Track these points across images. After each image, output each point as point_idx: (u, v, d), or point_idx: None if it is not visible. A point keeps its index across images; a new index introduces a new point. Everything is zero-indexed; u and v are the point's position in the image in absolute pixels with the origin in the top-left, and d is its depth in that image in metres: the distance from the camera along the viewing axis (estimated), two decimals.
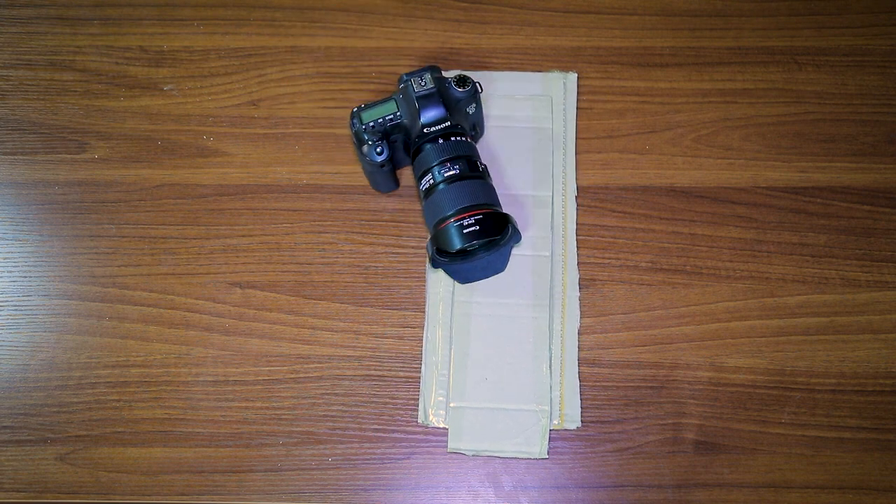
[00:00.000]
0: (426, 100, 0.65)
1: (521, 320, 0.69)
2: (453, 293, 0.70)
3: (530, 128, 0.74)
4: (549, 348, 0.68)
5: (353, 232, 0.73)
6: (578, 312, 0.70)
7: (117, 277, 0.72)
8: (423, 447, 0.67)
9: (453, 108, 0.66)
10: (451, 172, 0.64)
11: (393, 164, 0.69)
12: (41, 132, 0.76)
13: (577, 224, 0.72)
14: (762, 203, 0.73)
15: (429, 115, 0.65)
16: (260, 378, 0.69)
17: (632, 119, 0.76)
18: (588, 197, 0.73)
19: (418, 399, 0.68)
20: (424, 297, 0.70)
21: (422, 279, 0.71)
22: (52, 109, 0.77)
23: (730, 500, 0.66)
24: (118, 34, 0.79)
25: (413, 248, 0.72)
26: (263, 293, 0.71)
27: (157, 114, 0.77)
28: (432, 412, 0.67)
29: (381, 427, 0.68)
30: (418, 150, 0.66)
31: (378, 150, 0.65)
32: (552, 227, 0.72)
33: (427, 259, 0.71)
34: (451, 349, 0.68)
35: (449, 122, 0.65)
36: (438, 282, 0.70)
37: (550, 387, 0.67)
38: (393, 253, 0.72)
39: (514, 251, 0.70)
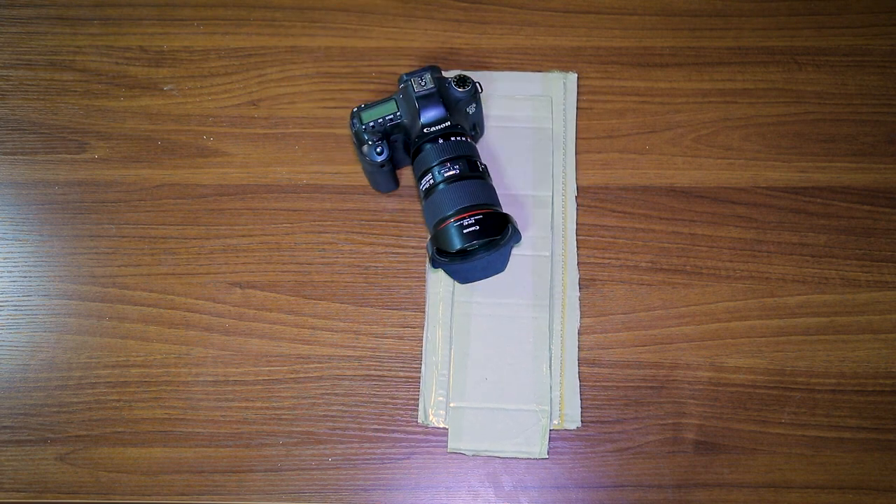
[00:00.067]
0: (426, 100, 0.65)
1: (521, 320, 0.69)
2: (453, 293, 0.70)
3: (530, 128, 0.74)
4: (549, 348, 0.68)
5: (353, 232, 0.73)
6: (578, 312, 0.70)
7: (117, 277, 0.72)
8: (423, 447, 0.67)
9: (453, 108, 0.66)
10: (451, 172, 0.64)
11: (393, 164, 0.69)
12: (41, 132, 0.76)
13: (577, 224, 0.72)
14: (762, 203, 0.73)
15: (429, 115, 0.65)
16: (260, 378, 0.69)
17: (632, 119, 0.76)
18: (588, 197, 0.73)
19: (418, 399, 0.68)
20: (424, 297, 0.70)
21: (422, 279, 0.71)
22: (52, 109, 0.77)
23: (730, 500, 0.66)
24: (118, 34, 0.79)
25: (413, 248, 0.72)
26: (263, 293, 0.71)
27: (157, 114, 0.77)
28: (432, 412, 0.67)
29: (381, 427, 0.68)
30: (418, 150, 0.66)
31: (378, 150, 0.65)
32: (552, 227, 0.72)
33: (427, 259, 0.71)
34: (451, 349, 0.68)
35: (449, 122, 0.65)
36: (438, 282, 0.70)
37: (550, 387, 0.67)
38: (393, 253, 0.72)
39: (514, 251, 0.70)
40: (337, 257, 0.72)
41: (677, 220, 0.73)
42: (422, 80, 0.65)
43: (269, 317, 0.70)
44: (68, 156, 0.76)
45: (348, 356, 0.69)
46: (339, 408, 0.68)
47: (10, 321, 0.71)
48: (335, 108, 0.76)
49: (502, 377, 0.68)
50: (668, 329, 0.69)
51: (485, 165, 0.66)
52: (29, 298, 0.72)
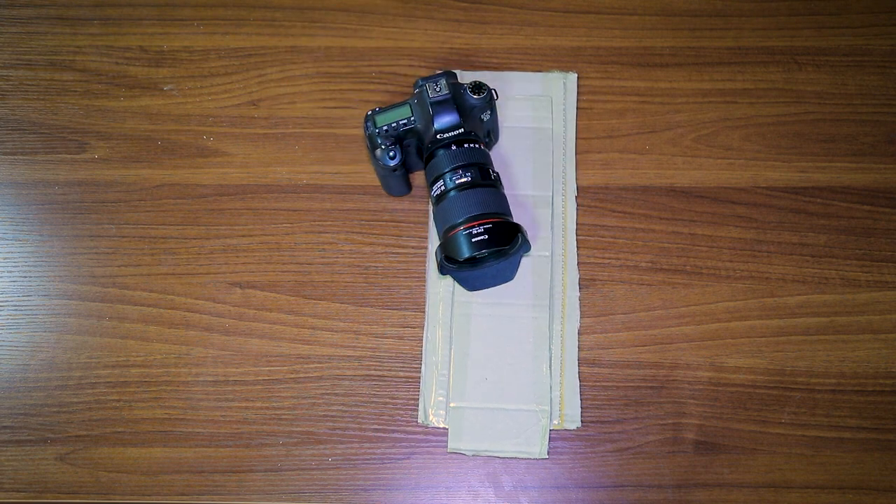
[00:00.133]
0: (440, 106, 0.65)
1: (521, 320, 0.69)
2: (453, 293, 0.70)
3: (530, 128, 0.74)
4: (549, 348, 0.68)
5: (353, 232, 0.73)
6: (578, 312, 0.70)
7: (117, 277, 0.72)
8: (423, 447, 0.67)
9: (467, 115, 0.66)
10: (462, 180, 0.64)
11: (406, 169, 0.69)
12: (41, 132, 0.76)
13: (577, 224, 0.72)
14: (762, 203, 0.73)
15: (442, 121, 0.65)
16: (260, 378, 0.69)
17: (632, 119, 0.76)
18: (588, 197, 0.73)
19: (418, 399, 0.68)
20: (424, 297, 0.70)
21: (422, 279, 0.71)
22: (52, 109, 0.77)
23: (730, 500, 0.66)
24: (118, 34, 0.79)
25: (413, 248, 0.72)
26: (263, 293, 0.71)
27: (157, 114, 0.77)
28: (432, 412, 0.67)
29: (381, 427, 0.68)
30: (431, 156, 0.66)
31: (391, 154, 0.65)
32: (552, 227, 0.72)
33: (429, 262, 0.71)
34: (451, 349, 0.68)
35: (462, 129, 0.65)
36: (438, 282, 0.70)
37: (550, 387, 0.67)
38: (393, 253, 0.72)
39: None
40: (337, 257, 0.72)
41: (677, 220, 0.73)
42: (437, 85, 0.65)
43: (269, 317, 0.70)
44: (68, 156, 0.76)
45: (348, 356, 0.69)
46: (339, 408, 0.68)
47: (10, 321, 0.71)
48: (335, 108, 0.77)
49: (502, 377, 0.68)
50: (668, 329, 0.69)
51: (497, 174, 0.66)
52: (29, 298, 0.72)
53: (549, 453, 0.66)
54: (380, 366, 0.69)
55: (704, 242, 0.72)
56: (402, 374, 0.69)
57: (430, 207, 0.73)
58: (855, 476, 0.66)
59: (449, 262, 0.63)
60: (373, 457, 0.67)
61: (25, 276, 0.72)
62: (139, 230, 0.73)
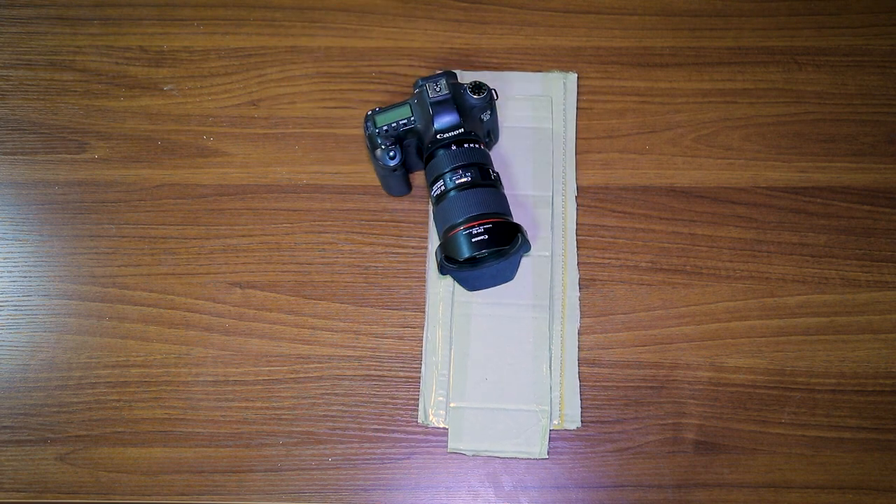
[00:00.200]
0: (440, 106, 0.65)
1: (521, 320, 0.69)
2: (453, 293, 0.70)
3: (530, 128, 0.74)
4: (549, 348, 0.68)
5: (353, 232, 0.73)
6: (578, 312, 0.70)
7: (117, 277, 0.72)
8: (423, 447, 0.67)
9: (467, 115, 0.66)
10: (462, 180, 0.64)
11: (406, 169, 0.69)
12: (41, 132, 0.76)
13: (577, 224, 0.72)
14: (762, 203, 0.73)
15: (442, 121, 0.65)
16: (260, 378, 0.69)
17: (632, 119, 0.76)
18: (588, 197, 0.73)
19: (418, 399, 0.68)
20: (424, 297, 0.70)
21: (422, 279, 0.71)
22: (52, 109, 0.77)
23: (730, 500, 0.66)
24: (118, 34, 0.79)
25: (413, 248, 0.72)
26: (263, 293, 0.71)
27: (157, 114, 0.77)
28: (432, 412, 0.67)
29: (381, 427, 0.68)
30: (431, 156, 0.66)
31: (391, 154, 0.65)
32: (552, 227, 0.72)
33: (429, 262, 0.71)
34: (451, 349, 0.68)
35: (462, 129, 0.65)
36: (438, 282, 0.70)
37: (550, 387, 0.67)
38: (393, 253, 0.72)
39: None
40: (337, 257, 0.72)
41: (677, 220, 0.73)
42: (437, 85, 0.65)
43: (269, 317, 0.70)
44: (68, 156, 0.76)
45: (348, 356, 0.69)
46: (339, 408, 0.68)
47: (10, 321, 0.71)
48: (335, 108, 0.77)
49: (502, 377, 0.68)
50: (668, 329, 0.69)
51: (497, 174, 0.66)
52: (29, 298, 0.72)
53: (549, 453, 0.66)
54: (380, 366, 0.69)
55: (704, 242, 0.72)
56: (402, 374, 0.69)
57: (430, 207, 0.73)
58: (855, 476, 0.66)
59: (449, 262, 0.63)
60: (373, 457, 0.67)
61: (25, 276, 0.72)
62: (139, 230, 0.73)
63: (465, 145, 0.65)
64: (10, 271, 0.72)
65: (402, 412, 0.68)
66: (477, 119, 0.67)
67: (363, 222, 0.73)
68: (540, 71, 0.77)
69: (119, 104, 0.77)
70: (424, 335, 0.69)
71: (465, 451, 0.66)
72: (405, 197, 0.73)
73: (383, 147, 0.65)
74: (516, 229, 0.63)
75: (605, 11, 0.80)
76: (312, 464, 0.67)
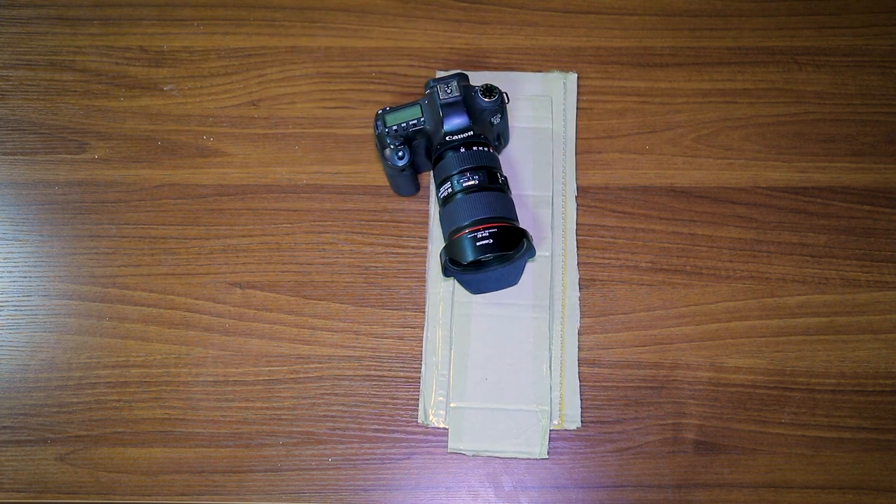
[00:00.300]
0: (451, 108, 0.65)
1: (521, 320, 0.69)
2: (453, 293, 0.70)
3: (530, 128, 0.74)
4: (549, 348, 0.68)
5: (353, 232, 0.73)
6: (578, 312, 0.70)
7: (117, 277, 0.72)
8: (423, 447, 0.67)
9: (477, 118, 0.66)
10: (469, 183, 0.64)
11: (414, 169, 0.69)
12: (41, 132, 0.76)
13: (577, 224, 0.72)
14: (762, 203, 0.73)
15: (452, 122, 0.65)
16: (260, 378, 0.69)
17: (632, 119, 0.76)
18: (588, 197, 0.73)
19: (418, 399, 0.68)
20: (424, 297, 0.70)
21: (422, 279, 0.71)
22: (52, 109, 0.77)
23: (730, 500, 0.66)
24: (118, 34, 0.79)
25: (413, 248, 0.72)
26: (263, 293, 0.71)
27: (157, 114, 0.77)
28: (432, 412, 0.67)
29: (381, 427, 0.68)
30: (440, 157, 0.66)
31: (399, 154, 0.65)
32: (552, 227, 0.72)
33: (429, 262, 0.71)
34: (451, 349, 0.68)
35: (472, 132, 0.65)
36: (439, 282, 0.70)
37: (550, 387, 0.67)
38: (393, 253, 0.72)
39: None
40: (337, 257, 0.72)
41: (677, 220, 0.73)
42: (448, 87, 0.65)
43: (269, 317, 0.70)
44: (68, 156, 0.76)
45: (348, 356, 0.69)
46: (339, 408, 0.68)
47: (10, 321, 0.71)
48: (335, 108, 0.77)
49: (502, 377, 0.68)
50: (668, 329, 0.69)
51: (505, 178, 0.66)
52: (29, 298, 0.72)
53: (549, 453, 0.66)
54: (380, 366, 0.69)
55: (704, 242, 0.72)
56: (402, 374, 0.69)
57: (431, 208, 0.73)
58: (855, 476, 0.66)
59: (453, 265, 0.63)
60: (373, 457, 0.67)
61: (25, 276, 0.72)
62: (139, 230, 0.73)
63: (474, 148, 0.65)
64: (10, 271, 0.72)
65: (402, 412, 0.68)
66: (487, 122, 0.67)
67: (363, 222, 0.73)
68: (540, 71, 0.77)
69: (119, 104, 0.77)
70: (424, 335, 0.69)
71: (465, 451, 0.66)
72: (405, 197, 0.73)
73: (392, 147, 0.65)
74: (522, 234, 0.63)
75: (605, 11, 0.80)
76: (312, 464, 0.67)
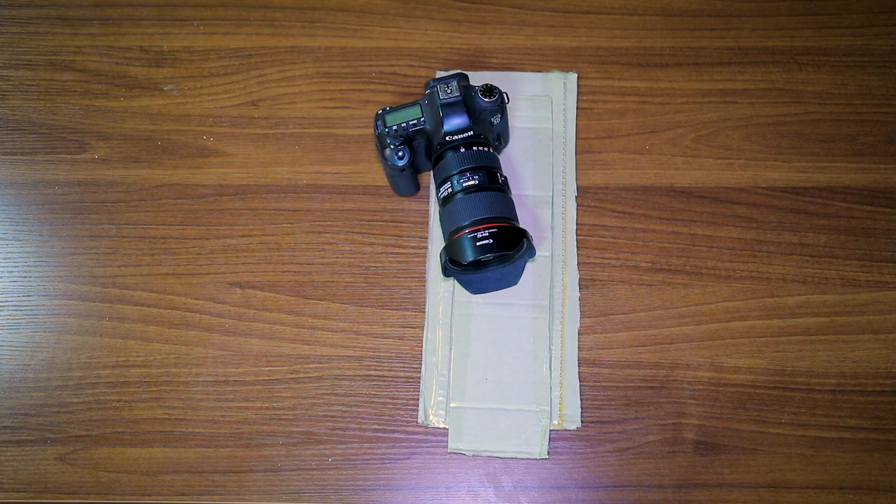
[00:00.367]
0: (451, 108, 0.65)
1: (521, 321, 0.69)
2: (453, 293, 0.70)
3: (530, 128, 0.74)
4: (549, 348, 0.68)
5: (353, 232, 0.73)
6: (578, 313, 0.70)
7: (117, 277, 0.72)
8: (423, 447, 0.67)
9: (477, 118, 0.66)
10: (469, 183, 0.64)
11: (414, 169, 0.69)
12: (41, 132, 0.76)
13: (577, 224, 0.72)
14: (762, 203, 0.73)
15: (452, 122, 0.65)
16: (260, 378, 0.69)
17: (632, 119, 0.76)
18: (588, 197, 0.73)
19: (418, 399, 0.68)
20: (424, 297, 0.70)
21: (422, 279, 0.71)
22: (52, 109, 0.77)
23: (730, 500, 0.66)
24: (118, 34, 0.79)
25: (413, 248, 0.72)
26: (263, 293, 0.71)
27: (157, 114, 0.77)
28: (432, 412, 0.67)
29: (381, 427, 0.68)
30: (440, 157, 0.66)
31: (399, 154, 0.65)
32: (552, 227, 0.72)
33: (429, 262, 0.71)
34: (451, 349, 0.68)
35: (472, 132, 0.65)
36: (438, 282, 0.70)
37: (550, 387, 0.67)
38: (393, 253, 0.72)
39: None
40: (337, 257, 0.72)
41: (677, 220, 0.73)
42: (448, 87, 0.65)
43: (269, 317, 0.70)
44: (68, 156, 0.76)
45: (348, 356, 0.69)
46: (339, 408, 0.68)
47: (10, 321, 0.71)
48: (335, 108, 0.77)
49: (502, 377, 0.68)
50: (668, 329, 0.69)
51: (505, 178, 0.66)
52: (29, 298, 0.72)
53: (549, 453, 0.66)
54: (380, 366, 0.69)
55: (704, 242, 0.72)
56: (402, 374, 0.69)
57: (431, 208, 0.73)
58: (855, 476, 0.66)
59: (453, 265, 0.63)
60: (373, 457, 0.67)
61: (25, 276, 0.72)
62: (139, 230, 0.73)
63: (474, 148, 0.65)
64: (10, 271, 0.72)
65: (402, 412, 0.68)
66: (487, 122, 0.67)
67: (363, 222, 0.73)
68: (540, 71, 0.77)
69: (119, 104, 0.77)
70: (424, 335, 0.69)
71: (465, 451, 0.66)
72: (405, 197, 0.73)
73: (392, 147, 0.65)
74: (522, 234, 0.63)
75: (605, 11, 0.80)
76: (312, 464, 0.67)
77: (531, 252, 0.64)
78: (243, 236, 0.73)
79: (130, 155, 0.76)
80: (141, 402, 0.68)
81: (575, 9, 0.80)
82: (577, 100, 0.76)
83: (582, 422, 0.67)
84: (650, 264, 0.71)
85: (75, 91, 0.78)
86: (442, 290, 0.70)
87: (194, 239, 0.73)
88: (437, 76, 0.76)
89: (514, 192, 0.72)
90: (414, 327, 0.70)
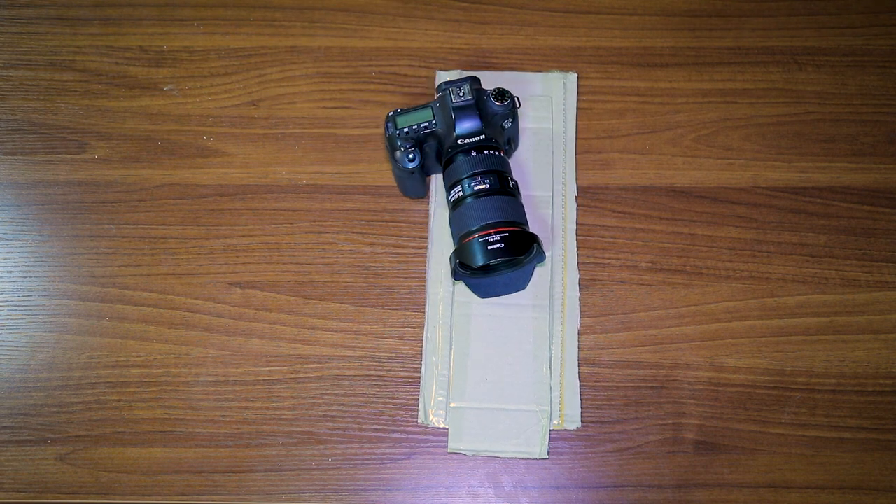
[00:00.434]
0: (463, 111, 0.65)
1: (521, 321, 0.69)
2: (453, 293, 0.70)
3: (530, 128, 0.74)
4: (549, 348, 0.68)
5: (353, 232, 0.73)
6: (578, 313, 0.70)
7: (117, 277, 0.72)
8: (423, 447, 0.67)
9: (489, 122, 0.66)
10: (480, 186, 0.64)
11: (423, 172, 0.69)
12: (41, 132, 0.76)
13: (577, 224, 0.72)
14: (762, 203, 0.73)
15: (464, 126, 0.65)
16: (260, 378, 0.69)
17: (632, 119, 0.76)
18: (588, 197, 0.73)
19: (418, 399, 0.68)
20: (424, 298, 0.70)
21: (422, 279, 0.71)
22: (52, 109, 0.77)
23: (730, 500, 0.66)
24: (118, 34, 0.79)
25: (413, 248, 0.72)
26: (263, 293, 0.71)
27: (157, 114, 0.77)
28: (432, 412, 0.67)
29: (381, 427, 0.68)
30: (450, 161, 0.66)
31: (410, 156, 0.65)
32: (552, 227, 0.72)
33: (429, 262, 0.71)
34: (451, 349, 0.68)
35: (484, 135, 0.65)
36: (438, 282, 0.70)
37: (550, 387, 0.67)
38: (393, 253, 0.72)
39: None
40: (337, 257, 0.72)
41: (677, 220, 0.73)
42: (460, 90, 0.65)
43: (269, 317, 0.70)
44: (68, 156, 0.76)
45: (348, 356, 0.69)
46: (339, 408, 0.68)
47: (10, 321, 0.71)
48: (335, 108, 0.77)
49: (502, 377, 0.68)
50: (668, 329, 0.69)
51: (515, 182, 0.66)
52: (29, 298, 0.72)
53: (549, 453, 0.66)
54: (380, 366, 0.69)
55: (704, 242, 0.72)
56: (402, 374, 0.69)
57: (431, 208, 0.73)
58: (855, 476, 0.66)
59: (463, 269, 0.63)
60: (373, 457, 0.67)
61: (25, 276, 0.72)
62: (139, 230, 0.73)
63: (486, 152, 0.65)
64: (10, 271, 0.72)
65: (402, 412, 0.68)
66: (498, 126, 0.67)
67: (363, 222, 0.73)
68: (540, 71, 0.77)
69: (119, 104, 0.77)
70: (424, 335, 0.69)
71: (465, 451, 0.66)
72: (405, 197, 0.73)
73: (403, 149, 0.65)
74: (532, 239, 0.63)
75: (605, 11, 0.80)
76: (312, 464, 0.67)
77: (541, 257, 0.64)
78: (243, 236, 0.73)
79: (130, 155, 0.76)
80: (141, 402, 0.68)
81: (575, 9, 0.80)
82: (577, 100, 0.76)
83: (582, 422, 0.67)
84: (650, 264, 0.71)
85: (75, 91, 0.78)
86: (442, 290, 0.70)
87: (194, 239, 0.73)
88: (437, 76, 0.76)
89: None
90: (414, 327, 0.70)
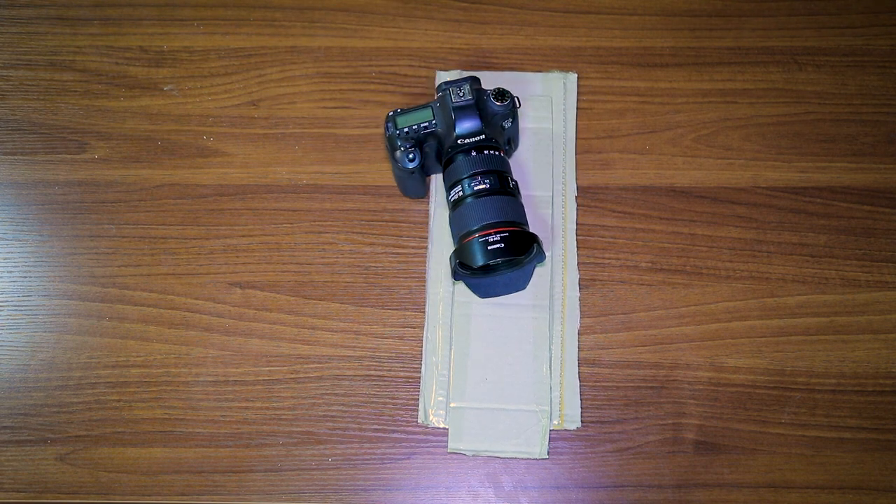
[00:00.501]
0: (463, 111, 0.65)
1: (521, 321, 0.69)
2: (453, 293, 0.70)
3: (530, 128, 0.74)
4: (549, 348, 0.68)
5: (353, 232, 0.73)
6: (578, 313, 0.70)
7: (117, 277, 0.72)
8: (423, 447, 0.67)
9: (489, 122, 0.66)
10: (480, 186, 0.64)
11: (423, 172, 0.69)
12: (41, 132, 0.76)
13: (577, 224, 0.72)
14: (762, 203, 0.73)
15: (464, 126, 0.65)
16: (260, 378, 0.69)
17: (632, 119, 0.76)
18: (588, 197, 0.73)
19: (418, 399, 0.68)
20: (424, 297, 0.70)
21: (422, 279, 0.71)
22: (52, 109, 0.77)
23: (730, 500, 0.66)
24: (118, 34, 0.79)
25: (413, 248, 0.72)
26: (263, 293, 0.71)
27: (157, 114, 0.77)
28: (432, 412, 0.67)
29: (381, 427, 0.68)
30: (450, 161, 0.66)
31: (410, 156, 0.65)
32: (552, 227, 0.72)
33: (429, 262, 0.71)
34: (451, 349, 0.68)
35: (484, 135, 0.65)
36: (438, 282, 0.70)
37: (550, 387, 0.67)
38: (393, 253, 0.72)
39: None
40: (337, 257, 0.72)
41: (677, 220, 0.73)
42: (460, 90, 0.65)
43: (269, 317, 0.70)
44: (68, 156, 0.76)
45: (348, 356, 0.69)
46: (339, 408, 0.68)
47: (10, 321, 0.71)
48: (335, 108, 0.77)
49: (502, 377, 0.68)
50: (668, 329, 0.69)
51: (515, 182, 0.66)
52: (29, 298, 0.72)
53: (549, 453, 0.66)
54: (380, 366, 0.69)
55: (704, 242, 0.72)
56: (402, 374, 0.69)
57: (431, 208, 0.73)
58: (855, 476, 0.66)
59: (462, 269, 0.63)
60: (373, 457, 0.67)
61: (25, 276, 0.72)
62: (139, 230, 0.73)
63: (486, 152, 0.65)
64: (10, 271, 0.72)
65: (402, 412, 0.68)
66: (498, 126, 0.67)
67: (363, 222, 0.73)
68: (540, 71, 0.77)
69: (119, 104, 0.77)
70: (424, 335, 0.69)
71: (465, 451, 0.66)
72: (405, 197, 0.73)
73: (403, 149, 0.65)
74: (532, 239, 0.63)
75: (605, 11, 0.80)
76: (312, 464, 0.67)
77: (541, 257, 0.64)
78: (243, 236, 0.73)
79: (130, 155, 0.76)
80: (141, 402, 0.68)
81: (575, 9, 0.80)
82: (577, 100, 0.76)
83: (582, 422, 0.67)
84: (650, 264, 0.71)
85: (75, 91, 0.78)
86: (442, 290, 0.70)
87: (194, 239, 0.73)
88: (437, 76, 0.76)
89: None
90: (414, 327, 0.70)
